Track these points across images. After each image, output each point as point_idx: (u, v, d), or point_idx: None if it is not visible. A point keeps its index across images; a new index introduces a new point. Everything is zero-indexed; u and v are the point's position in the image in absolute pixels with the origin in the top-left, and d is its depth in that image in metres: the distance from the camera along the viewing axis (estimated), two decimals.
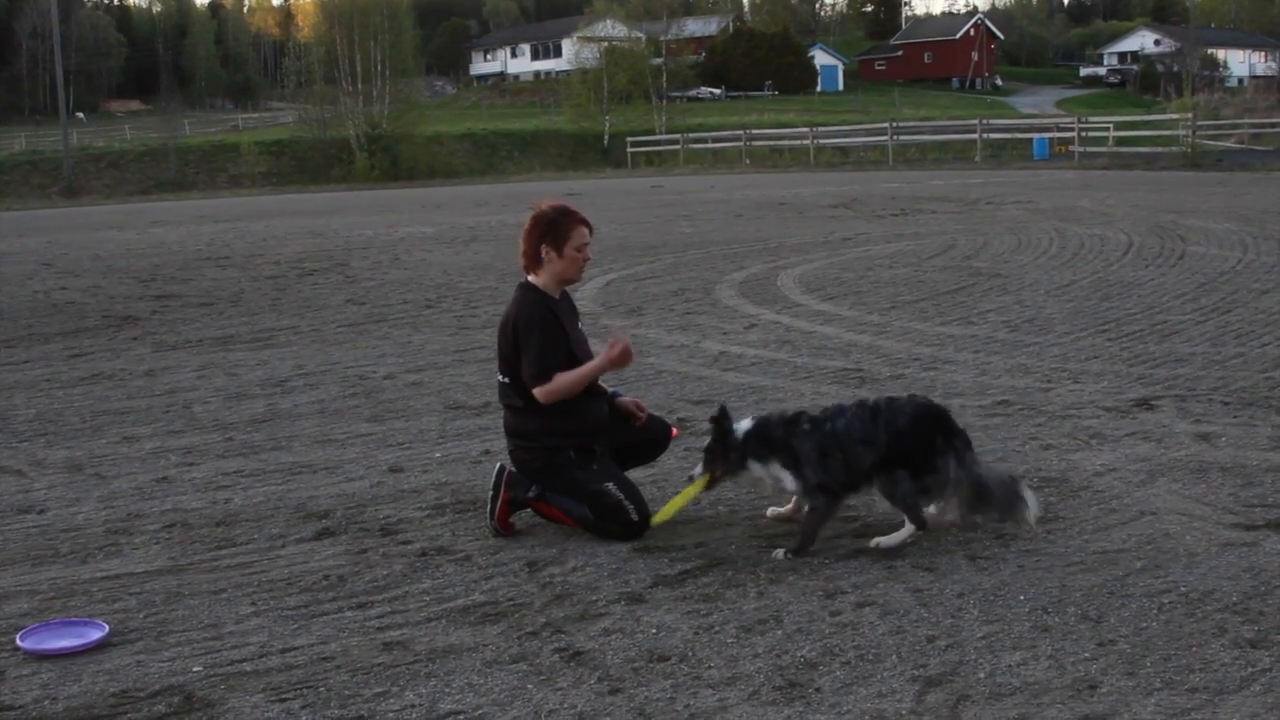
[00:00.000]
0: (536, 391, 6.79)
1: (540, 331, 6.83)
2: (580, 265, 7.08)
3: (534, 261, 7.00)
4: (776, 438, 6.57)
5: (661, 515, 6.78)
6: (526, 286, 7.04)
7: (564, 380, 6.80)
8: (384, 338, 13.72)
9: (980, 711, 4.60)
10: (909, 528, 6.43)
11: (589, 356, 7.05)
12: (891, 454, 6.39)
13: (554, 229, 6.95)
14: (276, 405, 10.41)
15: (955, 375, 10.54)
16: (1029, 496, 6.50)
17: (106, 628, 5.61)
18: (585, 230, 7.03)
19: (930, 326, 13.01)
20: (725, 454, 6.64)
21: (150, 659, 5.34)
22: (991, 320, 13.24)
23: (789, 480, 6.52)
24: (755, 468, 6.60)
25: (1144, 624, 5.32)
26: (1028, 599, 5.65)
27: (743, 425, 6.66)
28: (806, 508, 6.52)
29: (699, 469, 6.76)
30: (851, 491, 6.56)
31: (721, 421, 6.68)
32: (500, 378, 7.07)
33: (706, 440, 6.79)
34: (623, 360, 6.91)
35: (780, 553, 6.40)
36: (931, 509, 6.55)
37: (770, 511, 6.98)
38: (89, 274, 21.72)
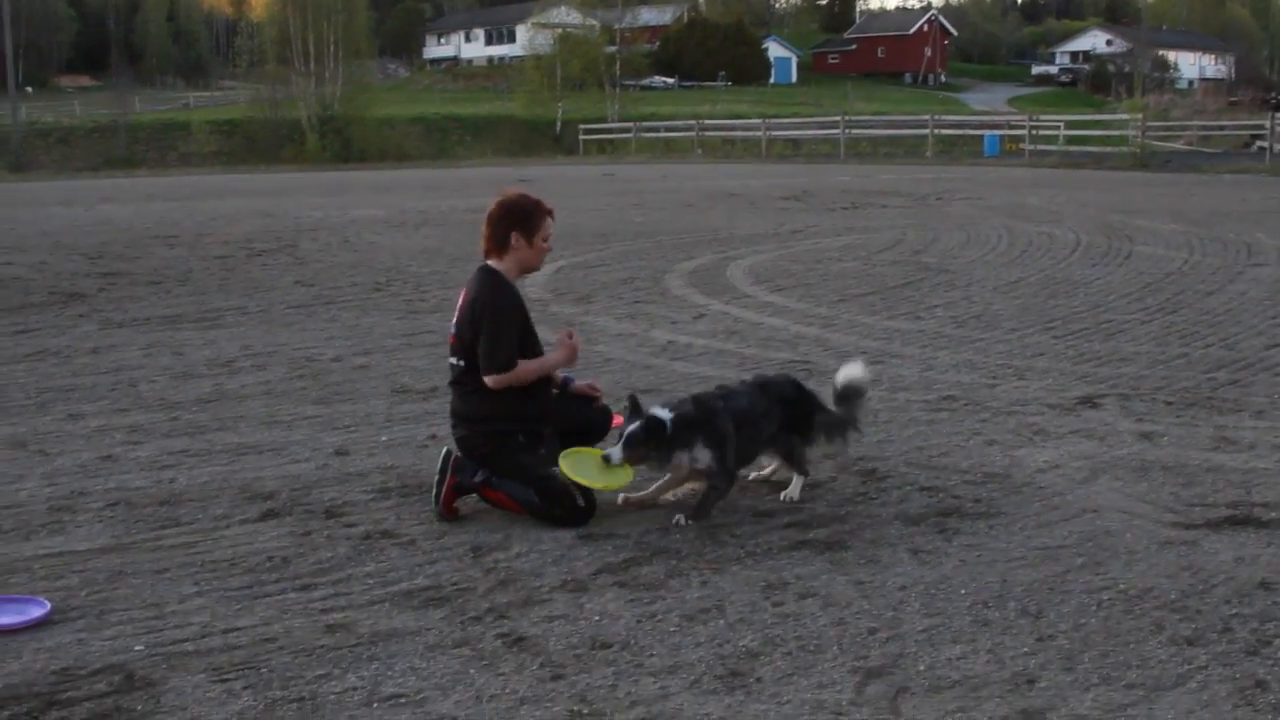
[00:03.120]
0: (492, 379, 6.81)
1: (511, 319, 6.90)
2: (544, 255, 7.20)
3: (499, 248, 7.02)
4: (698, 421, 6.87)
5: (576, 475, 6.82)
6: (492, 272, 7.05)
7: (525, 370, 6.90)
8: (332, 320, 13.68)
9: (919, 703, 4.63)
10: (800, 479, 7.28)
11: (538, 346, 7.14)
12: (785, 422, 7.23)
13: (527, 218, 7.02)
14: (223, 385, 10.37)
15: (902, 369, 10.59)
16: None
17: (48, 605, 5.58)
18: (551, 220, 7.15)
19: (878, 320, 13.06)
20: (657, 445, 6.81)
21: (92, 637, 5.32)
22: (939, 315, 13.30)
23: (707, 459, 6.84)
24: (680, 456, 6.84)
25: (1083, 620, 5.37)
26: (969, 593, 5.69)
27: (662, 414, 6.86)
28: (707, 485, 6.92)
29: (617, 453, 6.80)
30: (748, 463, 7.32)
31: (652, 416, 6.83)
32: (453, 360, 7.08)
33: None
34: (571, 359, 7.14)
35: (679, 518, 6.80)
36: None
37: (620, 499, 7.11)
38: (36, 250, 21.56)
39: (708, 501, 6.90)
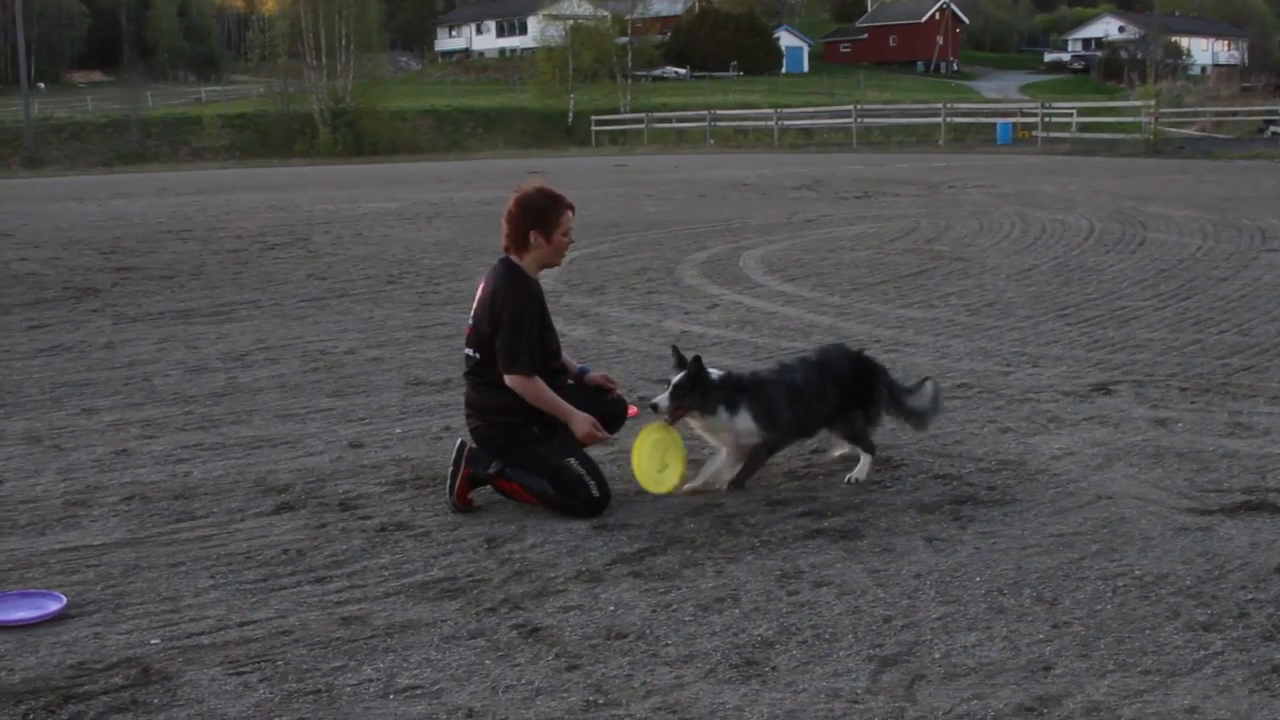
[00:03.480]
0: (510, 379, 6.78)
1: (531, 323, 6.86)
2: (565, 250, 7.11)
3: (519, 245, 6.96)
4: (748, 388, 7.08)
5: (639, 463, 7.03)
6: (512, 266, 7.00)
7: (541, 394, 6.84)
8: (345, 313, 13.69)
9: (935, 691, 4.63)
10: (868, 457, 7.33)
11: (559, 356, 7.20)
12: (843, 401, 7.31)
13: (544, 215, 6.93)
14: (237, 379, 10.38)
15: (915, 358, 10.57)
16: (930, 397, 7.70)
17: (64, 599, 5.60)
18: (571, 215, 7.05)
19: (891, 309, 13.05)
20: (702, 393, 6.94)
21: (108, 631, 5.33)
22: (952, 303, 13.28)
23: (751, 428, 7.01)
24: (723, 413, 6.97)
25: (1098, 606, 5.36)
26: (984, 580, 5.69)
27: (713, 373, 7.03)
28: (755, 445, 7.12)
29: (664, 400, 6.93)
30: (806, 436, 7.54)
31: (699, 366, 6.93)
32: (469, 351, 7.05)
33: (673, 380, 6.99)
34: (586, 437, 6.96)
35: (724, 482, 7.13)
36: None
37: (686, 487, 7.16)
38: (49, 245, 21.59)
39: (750, 463, 7.15)
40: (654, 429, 7.04)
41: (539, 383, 6.84)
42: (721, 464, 7.18)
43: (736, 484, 7.12)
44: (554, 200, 6.98)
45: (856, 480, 7.21)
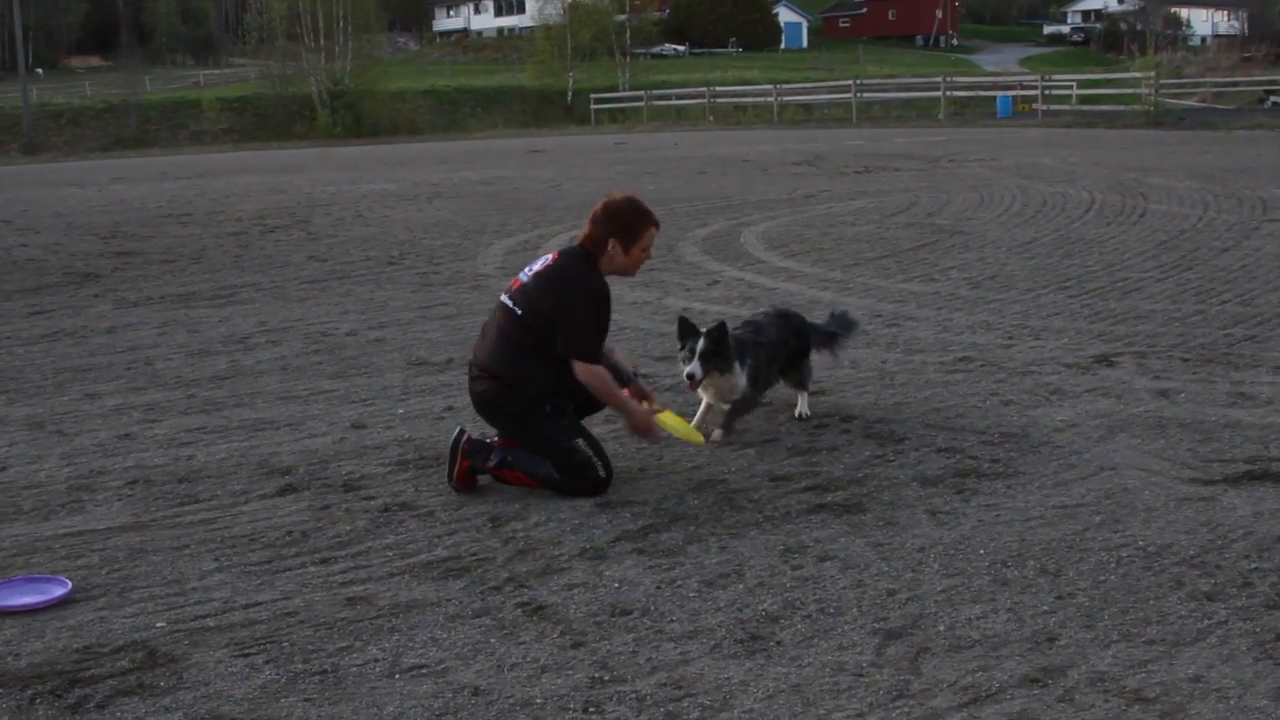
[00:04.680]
0: (579, 367, 6.78)
1: (604, 314, 6.91)
2: (641, 262, 7.12)
3: (598, 248, 6.92)
4: (746, 345, 7.70)
5: (685, 432, 7.28)
6: (593, 261, 6.97)
7: (603, 380, 6.85)
8: (346, 294, 13.69)
9: (940, 663, 4.64)
10: (805, 395, 8.27)
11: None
12: (799, 348, 8.19)
13: (628, 229, 6.93)
14: (239, 362, 10.39)
15: (917, 332, 10.58)
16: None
17: (69, 584, 5.61)
18: (654, 232, 7.08)
19: (893, 283, 13.05)
20: (726, 357, 7.46)
21: (113, 615, 5.34)
22: (954, 277, 13.28)
23: (741, 385, 7.63)
24: (737, 370, 7.55)
25: (1102, 577, 5.37)
26: (987, 553, 5.70)
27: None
28: (737, 397, 7.71)
29: (697, 368, 7.36)
30: (769, 387, 8.15)
31: (723, 329, 7.48)
32: (510, 303, 6.95)
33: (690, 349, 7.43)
34: (644, 431, 7.17)
35: (717, 433, 7.70)
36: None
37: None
38: (49, 231, 21.58)
39: (735, 413, 7.77)
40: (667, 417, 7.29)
41: (607, 374, 6.89)
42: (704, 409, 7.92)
43: (727, 428, 7.75)
44: (641, 216, 6.99)
45: (803, 413, 8.15)
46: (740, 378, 7.56)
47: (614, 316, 7.08)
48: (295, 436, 8.09)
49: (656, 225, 7.09)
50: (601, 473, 6.74)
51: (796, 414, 8.15)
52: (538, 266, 7.03)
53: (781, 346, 8.03)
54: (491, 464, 6.87)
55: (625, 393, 7.05)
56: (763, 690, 4.51)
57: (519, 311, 6.91)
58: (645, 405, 7.18)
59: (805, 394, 8.26)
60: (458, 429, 7.01)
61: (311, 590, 5.55)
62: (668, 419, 7.20)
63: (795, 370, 8.21)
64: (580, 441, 6.79)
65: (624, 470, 7.03)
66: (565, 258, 7.01)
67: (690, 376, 7.35)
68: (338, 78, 77.22)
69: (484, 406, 7.00)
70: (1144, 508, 6.22)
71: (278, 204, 25.22)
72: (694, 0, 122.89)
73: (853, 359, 9.55)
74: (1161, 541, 5.76)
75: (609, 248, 6.91)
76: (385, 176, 32.60)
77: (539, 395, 6.86)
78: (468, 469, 6.85)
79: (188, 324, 12.18)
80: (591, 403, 7.14)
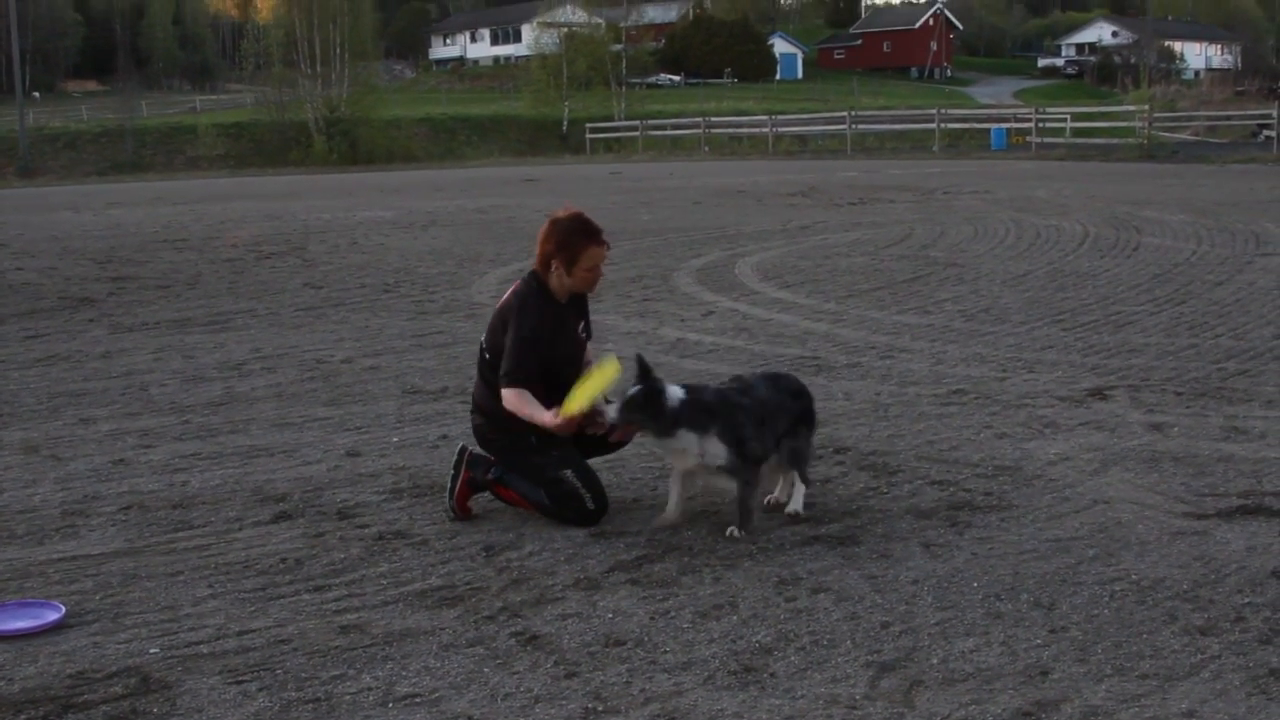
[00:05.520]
0: (503, 391, 6.74)
1: (535, 343, 6.74)
2: (592, 282, 6.98)
3: (544, 268, 6.88)
4: (714, 408, 6.51)
5: (573, 405, 6.58)
6: (540, 283, 6.91)
7: (522, 403, 6.69)
8: (341, 322, 13.70)
9: (933, 696, 4.64)
10: (803, 488, 6.90)
11: (577, 360, 7.05)
12: (797, 416, 6.86)
13: (567, 248, 6.79)
14: (234, 388, 10.39)
15: (911, 364, 10.59)
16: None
17: (63, 609, 5.61)
18: (599, 250, 6.87)
19: (887, 315, 13.07)
20: (655, 416, 6.41)
21: (107, 640, 5.34)
22: (948, 309, 13.30)
23: (721, 454, 6.44)
24: (685, 436, 6.45)
25: (1095, 611, 5.38)
26: (981, 586, 5.70)
27: (675, 392, 6.48)
28: (737, 485, 6.54)
29: (613, 413, 6.47)
30: (765, 459, 6.71)
31: (650, 378, 6.46)
32: (484, 348, 7.02)
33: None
34: (563, 430, 6.66)
35: (732, 530, 6.53)
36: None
37: (656, 522, 6.78)
38: (45, 255, 21.58)
39: (746, 503, 6.56)
40: (610, 367, 6.71)
41: (519, 395, 6.71)
42: (673, 504, 6.75)
43: (744, 524, 6.54)
44: (582, 236, 6.81)
45: (797, 512, 6.79)
46: (708, 445, 6.43)
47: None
48: (290, 464, 8.09)
49: (602, 244, 6.89)
50: (591, 504, 6.71)
51: (788, 511, 6.86)
52: (502, 299, 7.05)
53: (772, 410, 6.73)
54: (491, 476, 6.90)
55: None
56: None
57: (487, 354, 6.99)
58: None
59: (801, 485, 6.93)
60: (460, 445, 7.04)
61: (305, 618, 5.55)
62: (576, 398, 6.59)
63: (792, 438, 6.87)
64: (569, 472, 6.75)
65: (618, 501, 7.03)
66: (520, 285, 7.02)
67: (599, 415, 6.52)
68: (334, 105, 77.30)
69: (480, 441, 7.04)
70: (1137, 541, 6.23)
71: (273, 230, 25.24)
72: (690, 31, 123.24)
73: (846, 390, 9.57)
74: (1155, 575, 5.77)
75: (553, 268, 6.83)
76: (381, 204, 32.65)
77: (522, 428, 6.85)
78: (469, 480, 6.86)
79: (183, 349, 12.18)
80: (591, 440, 7.07)
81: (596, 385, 6.65)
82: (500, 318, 6.92)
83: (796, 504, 6.83)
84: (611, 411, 6.51)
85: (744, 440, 6.49)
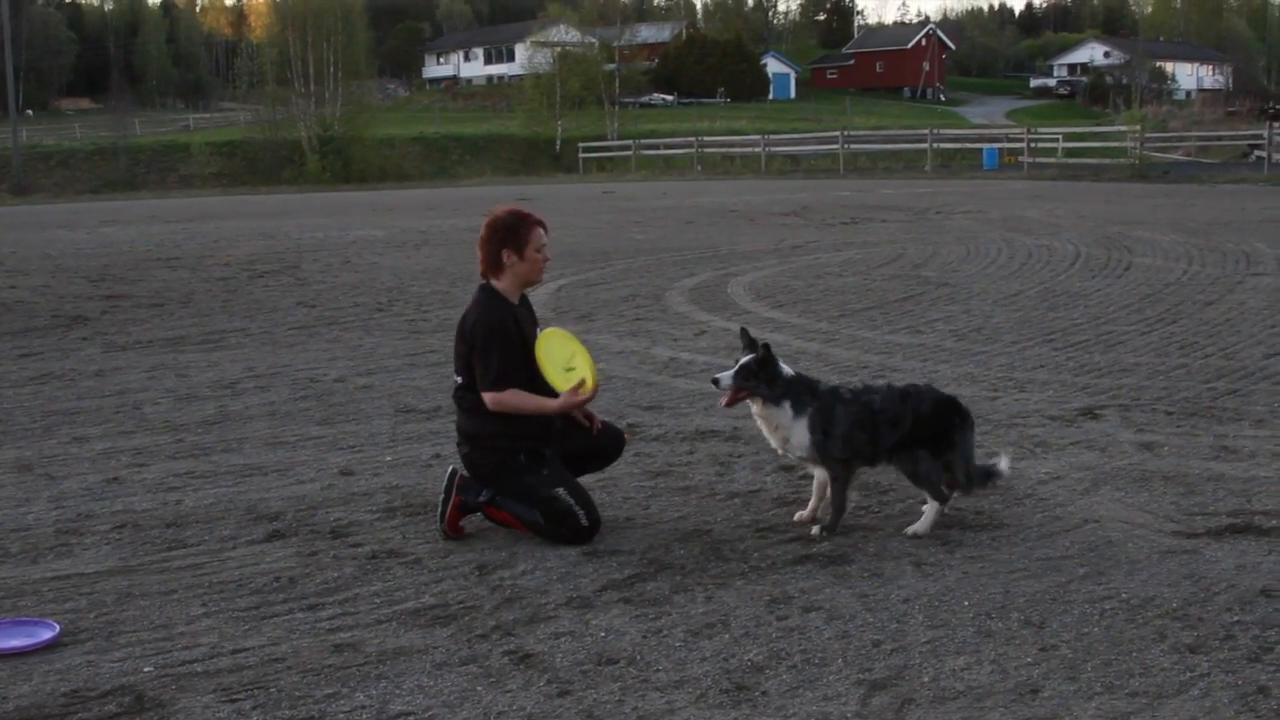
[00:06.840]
0: (487, 398, 6.80)
1: (500, 340, 6.82)
2: (541, 266, 7.10)
3: (494, 268, 6.98)
4: (818, 393, 6.82)
5: (543, 361, 6.89)
6: (488, 290, 7.02)
7: (517, 399, 6.81)
8: (335, 341, 13.71)
9: (924, 715, 4.66)
10: (934, 505, 6.84)
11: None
12: (913, 435, 6.80)
13: (513, 233, 6.94)
14: (227, 407, 10.40)
15: (902, 383, 10.60)
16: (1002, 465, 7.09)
17: (57, 627, 5.62)
18: (542, 231, 7.04)
19: (879, 335, 13.10)
20: (769, 382, 6.74)
21: (101, 659, 5.35)
22: (939, 329, 13.33)
23: (804, 441, 6.74)
24: (786, 410, 6.75)
25: (1086, 629, 5.40)
26: (972, 605, 5.72)
27: (785, 368, 6.85)
28: (830, 479, 6.86)
29: (727, 379, 6.76)
30: (869, 464, 6.97)
31: (769, 352, 6.77)
32: (456, 378, 7.09)
33: (735, 363, 6.83)
34: (570, 407, 6.90)
35: (816, 529, 6.81)
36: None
37: (797, 515, 7.08)
38: (38, 273, 21.58)
39: (838, 500, 6.84)
40: (552, 332, 7.06)
41: (512, 393, 6.81)
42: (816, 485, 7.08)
43: (831, 528, 6.77)
44: (522, 218, 7.02)
45: (915, 533, 6.75)
46: (797, 428, 6.72)
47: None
48: (283, 482, 8.10)
49: (542, 225, 7.08)
50: (584, 521, 6.74)
51: (907, 531, 6.80)
52: (458, 323, 7.13)
53: (889, 417, 6.79)
54: (483, 499, 6.91)
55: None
56: None
57: (458, 379, 7.05)
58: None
59: (932, 503, 6.86)
60: (450, 467, 7.05)
61: (299, 636, 5.56)
62: (579, 369, 6.85)
63: (908, 456, 6.86)
64: (561, 490, 6.78)
65: (611, 520, 7.05)
66: (471, 302, 7.11)
67: (715, 381, 6.82)
68: (327, 123, 77.39)
69: (470, 469, 7.04)
70: (1127, 560, 6.25)
71: (266, 249, 25.25)
72: (683, 50, 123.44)
73: None
74: (1145, 594, 5.79)
75: (505, 260, 6.96)
76: (374, 223, 32.67)
77: (508, 448, 6.88)
78: (460, 504, 6.88)
79: (176, 368, 12.19)
80: (582, 459, 7.16)
81: (584, 355, 6.95)
82: (460, 338, 6.99)
83: (917, 525, 6.83)
84: (726, 377, 6.78)
85: (829, 434, 6.73)
